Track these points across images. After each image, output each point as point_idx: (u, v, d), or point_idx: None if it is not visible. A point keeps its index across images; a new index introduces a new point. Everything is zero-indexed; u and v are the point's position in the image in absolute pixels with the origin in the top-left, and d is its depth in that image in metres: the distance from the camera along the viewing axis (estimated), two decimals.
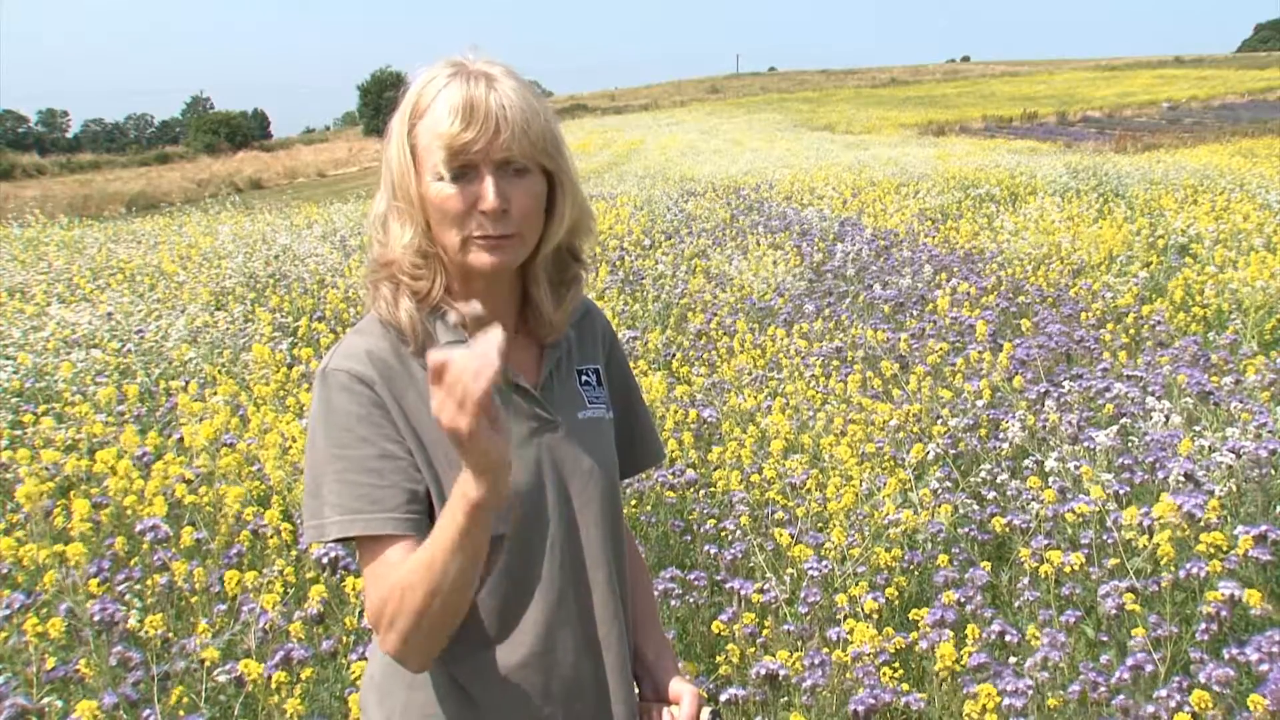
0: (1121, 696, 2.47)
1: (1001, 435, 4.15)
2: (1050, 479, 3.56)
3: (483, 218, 1.25)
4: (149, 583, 3.03)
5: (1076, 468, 3.60)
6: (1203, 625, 2.62)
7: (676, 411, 4.66)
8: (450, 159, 1.23)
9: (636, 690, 1.45)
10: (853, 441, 4.16)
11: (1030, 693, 2.47)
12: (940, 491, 3.73)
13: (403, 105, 1.29)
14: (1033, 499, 3.49)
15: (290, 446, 3.97)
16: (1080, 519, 3.25)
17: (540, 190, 1.30)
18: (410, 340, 1.30)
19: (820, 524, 3.61)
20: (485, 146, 1.23)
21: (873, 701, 2.43)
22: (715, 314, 7.07)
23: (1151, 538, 2.94)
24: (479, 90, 1.23)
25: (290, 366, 5.61)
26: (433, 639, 1.22)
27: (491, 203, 1.24)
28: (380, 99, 63.92)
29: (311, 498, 1.27)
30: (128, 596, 2.98)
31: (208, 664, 2.62)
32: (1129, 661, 2.55)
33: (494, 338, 1.05)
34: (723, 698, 2.53)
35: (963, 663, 2.64)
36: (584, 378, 1.43)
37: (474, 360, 1.04)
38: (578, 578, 1.35)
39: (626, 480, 1.50)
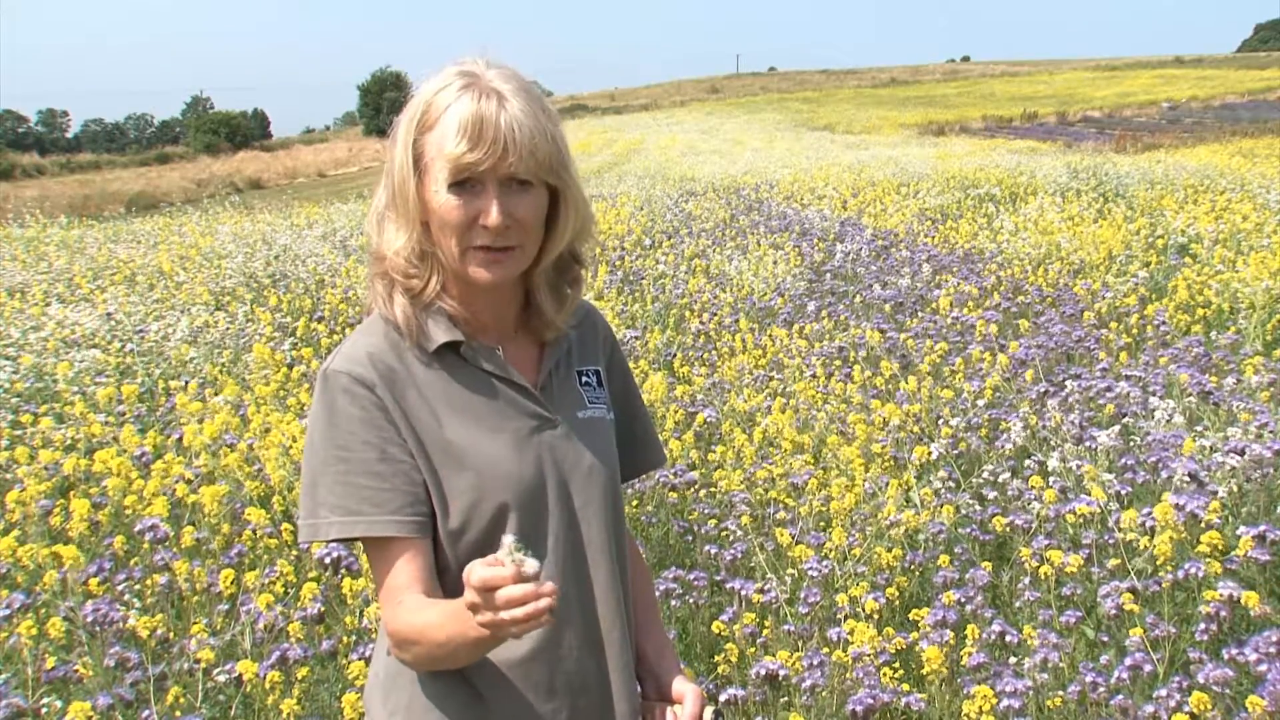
0: (1120, 696, 2.47)
1: (1003, 435, 4.15)
2: (1051, 479, 3.56)
3: (485, 231, 1.26)
4: (148, 583, 3.03)
5: (1078, 468, 3.60)
6: (1202, 625, 2.62)
7: (676, 411, 4.66)
8: (453, 175, 1.25)
9: (639, 690, 1.45)
10: (857, 442, 4.16)
11: (1029, 693, 2.47)
12: (942, 491, 3.73)
13: (410, 111, 1.29)
14: (1034, 499, 3.49)
15: (291, 446, 3.97)
16: (1081, 519, 3.25)
17: (543, 204, 1.31)
18: (406, 336, 1.32)
19: (822, 524, 3.61)
20: (492, 165, 1.24)
21: (871, 701, 2.44)
22: (715, 314, 7.08)
23: (1153, 538, 2.94)
24: (489, 108, 1.24)
25: (290, 367, 5.61)
26: (442, 668, 1.29)
27: (495, 219, 1.25)
28: (380, 99, 63.92)
29: (307, 497, 1.28)
30: (127, 596, 2.97)
31: (205, 664, 2.62)
32: (1127, 661, 2.55)
33: (550, 597, 1.04)
34: (722, 698, 2.53)
35: (962, 663, 2.64)
36: (584, 378, 1.44)
37: (524, 609, 1.03)
38: (580, 575, 1.36)
39: (626, 482, 1.50)
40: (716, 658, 2.91)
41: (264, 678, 2.53)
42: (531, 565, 1.04)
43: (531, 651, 1.31)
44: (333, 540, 1.30)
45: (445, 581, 1.29)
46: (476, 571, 1.04)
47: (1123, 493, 3.34)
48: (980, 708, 2.32)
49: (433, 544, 1.30)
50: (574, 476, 1.36)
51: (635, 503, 3.91)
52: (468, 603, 1.07)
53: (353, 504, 1.25)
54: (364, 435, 1.26)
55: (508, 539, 1.05)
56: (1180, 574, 2.79)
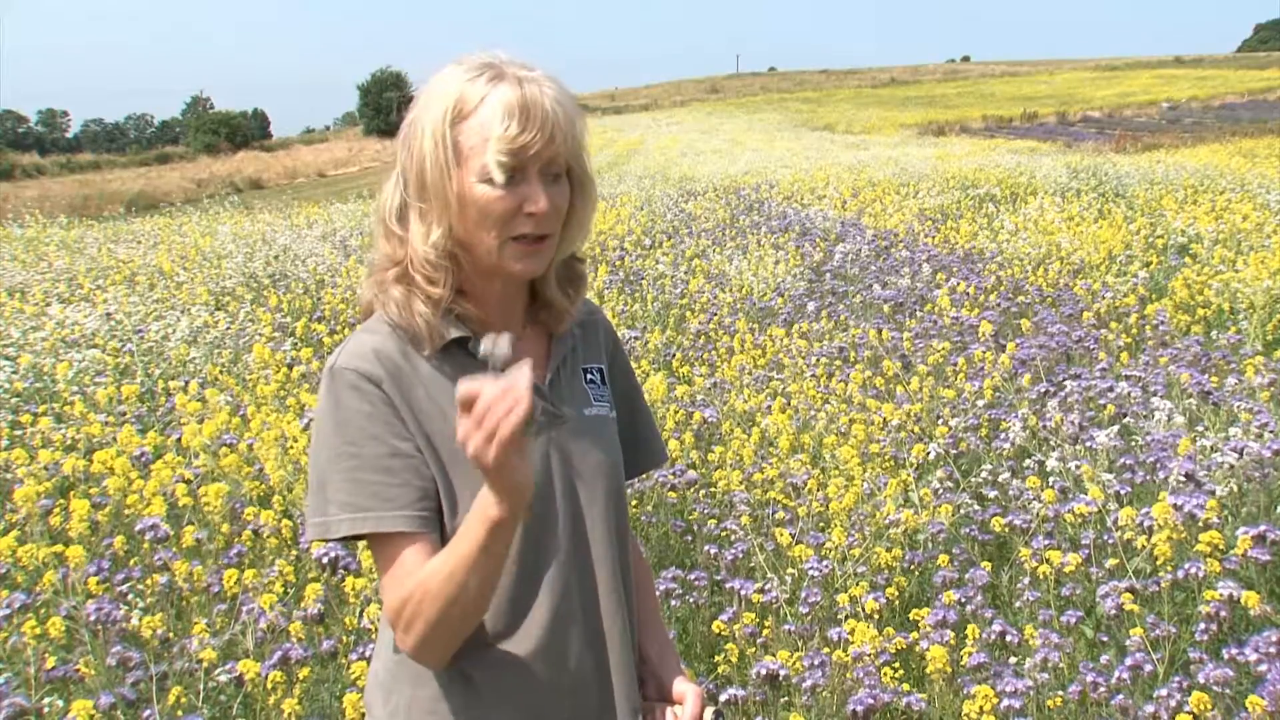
0: (1121, 696, 2.47)
1: (1003, 435, 4.16)
2: (1051, 479, 3.56)
3: (528, 219, 1.25)
4: (148, 582, 3.03)
5: (1077, 468, 3.60)
6: (1202, 625, 2.62)
7: (677, 411, 4.66)
8: (511, 159, 1.23)
9: (640, 689, 1.45)
10: (855, 442, 4.16)
11: (1029, 693, 2.47)
12: (941, 491, 3.73)
13: (439, 103, 1.26)
14: (1034, 499, 3.49)
15: (291, 446, 3.97)
16: (1080, 519, 3.25)
17: (569, 193, 1.30)
18: (426, 343, 1.30)
19: (821, 524, 3.61)
20: (540, 149, 1.23)
21: (872, 701, 2.44)
22: (715, 314, 7.07)
23: (1151, 538, 2.94)
24: (533, 91, 1.23)
25: (290, 367, 5.61)
26: (450, 642, 1.25)
27: (544, 205, 1.25)
28: (380, 99, 63.82)
29: (315, 495, 1.27)
30: (131, 597, 2.98)
31: (206, 664, 2.62)
32: (1128, 661, 2.55)
33: (525, 375, 1.06)
34: (723, 698, 2.53)
35: (962, 663, 2.64)
36: (589, 376, 1.44)
37: (505, 398, 1.05)
38: (583, 572, 1.36)
39: (628, 481, 1.50)
40: (717, 658, 2.91)
41: (266, 677, 2.52)
42: (503, 344, 1.08)
43: (533, 650, 1.31)
44: (343, 537, 1.30)
45: None
46: (460, 386, 1.07)
47: (1122, 493, 3.34)
48: (981, 707, 2.32)
49: (440, 540, 1.29)
50: (580, 474, 1.36)
51: (635, 503, 3.91)
52: (460, 435, 1.08)
53: (362, 500, 1.25)
54: (372, 431, 1.26)
55: (485, 343, 1.08)
56: (1180, 574, 2.79)
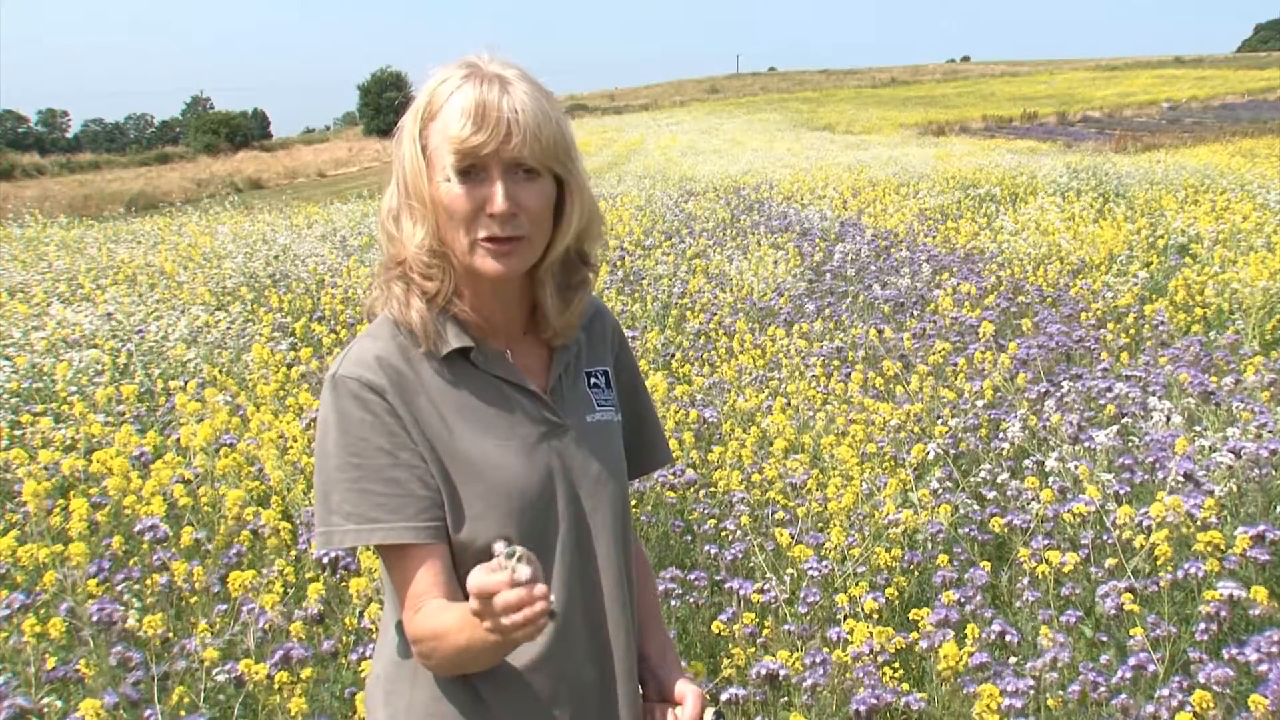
0: (1122, 696, 2.47)
1: (1002, 435, 4.15)
2: (1050, 479, 3.56)
3: (491, 220, 1.24)
4: (148, 582, 3.03)
5: (1076, 468, 3.60)
6: (1202, 625, 2.62)
7: (677, 411, 4.66)
8: (459, 160, 1.23)
9: (640, 690, 1.44)
10: (854, 442, 4.16)
11: (1030, 693, 2.47)
12: (940, 491, 3.72)
13: (414, 105, 1.28)
14: (1033, 499, 3.49)
15: (290, 447, 3.96)
16: (1079, 519, 3.25)
17: (550, 193, 1.29)
18: (422, 341, 1.30)
19: (820, 524, 3.61)
20: (496, 149, 1.22)
21: (874, 701, 2.43)
22: (715, 314, 7.07)
23: (1149, 537, 2.94)
24: (491, 93, 1.23)
25: (290, 367, 5.61)
26: (468, 670, 1.28)
27: (500, 205, 1.23)
28: (380, 99, 63.88)
29: (321, 505, 1.27)
30: (126, 597, 2.97)
31: (207, 664, 2.61)
32: (1129, 661, 2.55)
33: (539, 606, 1.05)
34: (723, 697, 2.53)
35: (963, 663, 2.64)
36: (592, 380, 1.43)
37: (520, 614, 1.04)
38: (587, 581, 1.35)
39: (632, 479, 1.50)
40: (723, 660, 2.91)
41: (274, 678, 2.51)
42: (523, 572, 1.04)
43: (538, 658, 1.31)
44: (348, 547, 1.30)
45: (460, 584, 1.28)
46: (473, 578, 1.05)
47: (1121, 493, 3.34)
48: (988, 705, 2.33)
49: (449, 546, 1.29)
50: (583, 483, 1.35)
51: (635, 503, 3.91)
52: (472, 609, 1.07)
53: (368, 511, 1.24)
54: (376, 441, 1.25)
55: (499, 546, 1.06)
56: (1180, 574, 2.79)
